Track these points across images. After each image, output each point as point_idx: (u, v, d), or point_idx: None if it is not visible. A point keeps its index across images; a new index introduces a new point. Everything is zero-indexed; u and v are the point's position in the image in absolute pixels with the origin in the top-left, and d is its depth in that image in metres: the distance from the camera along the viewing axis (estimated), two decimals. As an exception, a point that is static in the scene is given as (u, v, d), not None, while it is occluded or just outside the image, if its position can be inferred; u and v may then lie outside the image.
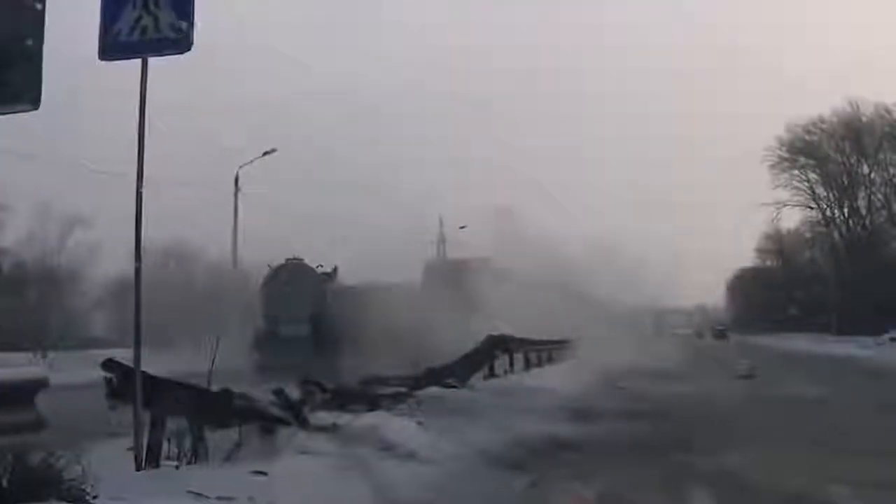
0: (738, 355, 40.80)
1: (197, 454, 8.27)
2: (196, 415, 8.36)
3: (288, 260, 31.94)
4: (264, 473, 7.72)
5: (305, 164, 63.32)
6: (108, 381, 7.91)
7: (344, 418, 11.25)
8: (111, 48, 8.28)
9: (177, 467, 7.79)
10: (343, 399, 13.55)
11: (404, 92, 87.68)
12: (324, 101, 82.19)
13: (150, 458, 7.79)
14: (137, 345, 7.86)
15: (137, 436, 7.67)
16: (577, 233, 43.31)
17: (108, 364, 7.96)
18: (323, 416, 11.28)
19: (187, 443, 8.07)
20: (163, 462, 7.91)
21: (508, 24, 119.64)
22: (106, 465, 7.75)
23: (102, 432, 9.13)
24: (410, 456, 9.20)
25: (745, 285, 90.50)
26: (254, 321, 31.64)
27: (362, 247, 40.81)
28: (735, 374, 23.86)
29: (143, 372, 7.86)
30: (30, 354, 31.56)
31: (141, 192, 8.02)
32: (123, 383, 7.82)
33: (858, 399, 17.60)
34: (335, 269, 32.63)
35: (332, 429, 10.48)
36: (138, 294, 7.95)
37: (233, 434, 8.98)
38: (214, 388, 8.83)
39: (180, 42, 8.11)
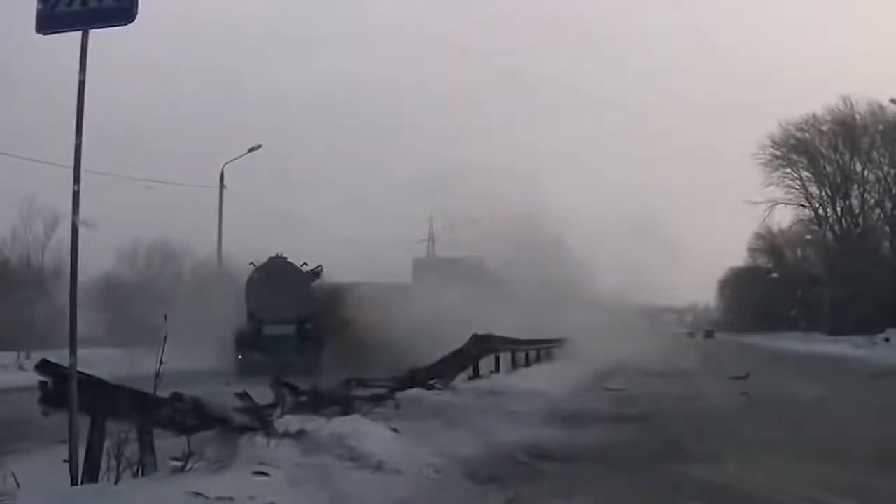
0: (732, 355, 40.32)
1: (144, 466, 7.53)
2: (142, 422, 7.62)
3: (272, 258, 31.20)
4: (266, 474, 7.41)
5: (294, 161, 62.65)
6: (43, 385, 7.18)
7: (314, 423, 10.53)
8: (49, 20, 7.59)
9: (116, 481, 7.03)
10: (318, 402, 12.87)
11: (395, 89, 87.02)
12: (314, 98, 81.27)
13: (88, 470, 7.05)
14: (73, 347, 7.14)
15: (73, 446, 6.94)
16: (571, 231, 42.61)
17: (43, 366, 7.22)
18: (292, 421, 10.60)
19: (129, 453, 7.30)
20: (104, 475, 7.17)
21: (507, 23, 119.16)
22: (37, 478, 7.06)
23: (49, 440, 8.46)
24: (378, 467, 8.45)
25: (737, 284, 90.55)
26: (238, 321, 30.92)
27: (351, 245, 40.35)
28: (729, 374, 23.20)
29: (82, 374, 7.14)
30: (14, 354, 30.94)
31: (78, 181, 7.29)
32: (59, 387, 7.08)
33: (857, 401, 17.04)
34: (320, 268, 31.87)
35: (298, 435, 9.76)
36: (73, 293, 7.29)
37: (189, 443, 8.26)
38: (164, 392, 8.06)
39: (124, 12, 7.44)
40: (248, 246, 33.43)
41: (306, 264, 30.95)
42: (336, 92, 79.16)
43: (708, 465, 8.92)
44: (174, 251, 52.39)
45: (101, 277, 47.89)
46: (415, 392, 15.60)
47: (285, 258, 31.12)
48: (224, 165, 44.59)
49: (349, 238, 42.74)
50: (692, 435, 11.33)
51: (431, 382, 16.91)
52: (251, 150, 44.53)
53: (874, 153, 62.24)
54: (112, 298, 44.74)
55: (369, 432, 10.19)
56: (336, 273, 33.86)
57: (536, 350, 27.29)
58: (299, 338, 29.59)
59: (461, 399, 14.83)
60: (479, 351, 19.29)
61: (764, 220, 68.74)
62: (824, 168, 65.05)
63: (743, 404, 15.72)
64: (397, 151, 76.03)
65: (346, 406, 12.68)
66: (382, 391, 15.18)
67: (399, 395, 14.94)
